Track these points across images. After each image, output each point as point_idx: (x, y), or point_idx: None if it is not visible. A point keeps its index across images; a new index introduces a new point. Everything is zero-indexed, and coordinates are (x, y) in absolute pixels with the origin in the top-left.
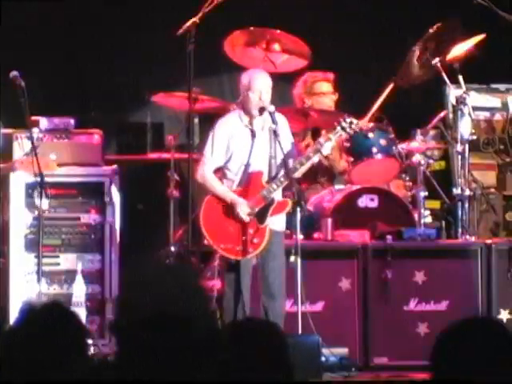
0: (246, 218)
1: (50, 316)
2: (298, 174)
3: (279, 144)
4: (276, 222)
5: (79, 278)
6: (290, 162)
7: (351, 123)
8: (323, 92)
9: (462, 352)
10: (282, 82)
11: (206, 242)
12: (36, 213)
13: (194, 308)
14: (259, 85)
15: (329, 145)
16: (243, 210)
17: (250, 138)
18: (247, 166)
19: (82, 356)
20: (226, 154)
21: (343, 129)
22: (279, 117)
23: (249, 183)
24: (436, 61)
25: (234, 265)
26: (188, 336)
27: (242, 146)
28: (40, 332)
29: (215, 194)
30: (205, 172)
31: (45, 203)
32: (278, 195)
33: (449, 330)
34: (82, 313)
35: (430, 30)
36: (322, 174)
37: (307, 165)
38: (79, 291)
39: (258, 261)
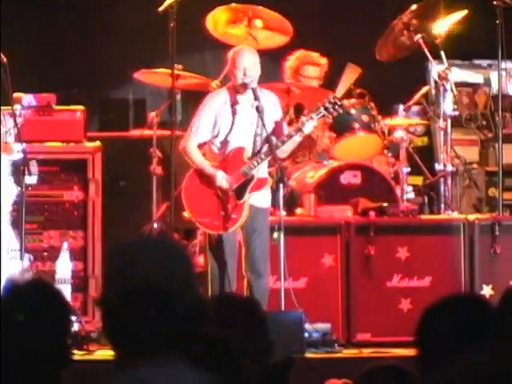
0: (226, 186)
1: (34, 293)
2: (281, 153)
3: (261, 120)
4: (260, 199)
5: (63, 255)
6: (274, 140)
7: (335, 104)
8: (308, 75)
9: (446, 328)
10: (265, 58)
11: (186, 214)
12: (19, 190)
13: (179, 280)
14: (244, 62)
15: (311, 124)
16: (222, 182)
17: (240, 114)
18: (229, 142)
19: (65, 333)
20: (212, 130)
21: (326, 109)
22: (269, 95)
23: (230, 159)
24: (418, 37)
25: (218, 240)
26: (172, 308)
27: (228, 123)
28: (24, 308)
29: (195, 167)
30: (188, 145)
31: (32, 179)
32: (261, 172)
33: (433, 306)
34: (66, 290)
35: (412, 7)
36: (301, 151)
37: (289, 143)
38: (63, 268)
39: (242, 238)
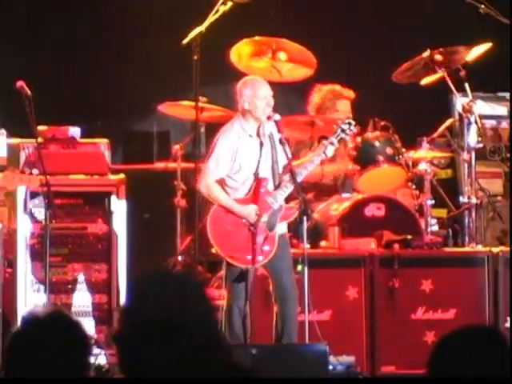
0: (256, 221)
1: (52, 324)
2: (301, 178)
3: (285, 152)
4: (280, 226)
5: (85, 288)
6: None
7: (350, 124)
8: (343, 110)
9: (460, 359)
10: (288, 90)
11: (214, 251)
12: (42, 222)
13: (195, 318)
14: (264, 91)
15: (331, 148)
16: (253, 216)
17: (256, 146)
18: (255, 174)
19: (85, 365)
20: (231, 166)
21: (343, 131)
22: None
23: (255, 191)
24: (442, 70)
25: (240, 273)
26: (188, 345)
27: (249, 156)
28: (42, 340)
29: (220, 205)
30: (209, 183)
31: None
32: (281, 202)
33: (449, 336)
34: (88, 323)
35: (441, 50)
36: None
37: (310, 169)
38: (85, 301)
39: (267, 268)
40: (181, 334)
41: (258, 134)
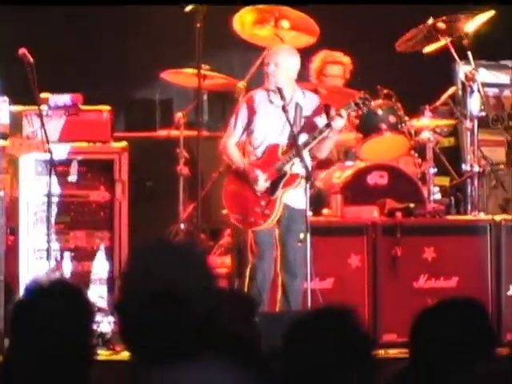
0: (260, 189)
1: (56, 292)
2: (318, 153)
3: (287, 120)
4: (295, 200)
5: (99, 255)
6: (303, 137)
7: (365, 99)
8: (331, 75)
9: (439, 332)
10: None
11: (224, 212)
12: (46, 190)
13: (196, 288)
14: (291, 63)
15: (340, 119)
16: (257, 180)
17: (277, 113)
18: (266, 139)
19: (88, 333)
20: (249, 129)
21: (357, 105)
22: (311, 96)
23: (266, 156)
24: (445, 38)
25: (253, 239)
26: (188, 315)
27: (268, 122)
28: (45, 308)
29: (234, 166)
30: (227, 143)
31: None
32: (295, 169)
33: (426, 310)
34: (95, 290)
35: (444, 18)
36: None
37: (319, 139)
38: (98, 268)
39: (278, 237)
40: (182, 303)
41: (282, 101)
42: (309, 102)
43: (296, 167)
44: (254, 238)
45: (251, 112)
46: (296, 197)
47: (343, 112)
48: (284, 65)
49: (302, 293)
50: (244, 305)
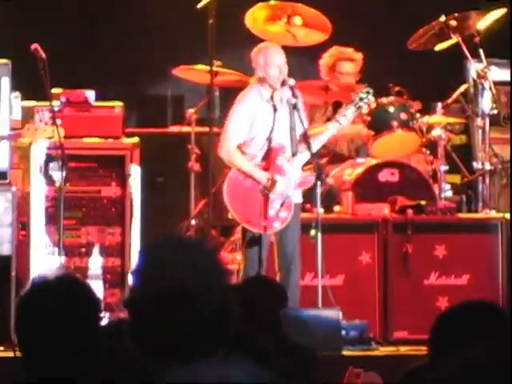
0: (278, 189)
1: (61, 287)
2: (318, 145)
3: (299, 118)
4: (294, 194)
5: (98, 251)
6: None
7: (368, 93)
8: (343, 72)
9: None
10: (303, 55)
11: (230, 216)
12: (56, 185)
13: (207, 286)
14: (277, 60)
15: (348, 116)
16: (273, 184)
17: (271, 112)
18: (270, 140)
19: (94, 328)
20: (249, 131)
21: (361, 99)
22: (298, 92)
23: (273, 158)
24: (457, 36)
25: (256, 239)
26: (198, 313)
27: (266, 122)
28: (51, 303)
29: (241, 170)
30: (229, 148)
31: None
32: (298, 169)
33: (449, 312)
34: (100, 286)
35: (456, 15)
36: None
37: (327, 137)
38: (98, 264)
39: (274, 235)
40: (194, 299)
41: (273, 99)
42: (299, 98)
43: (298, 167)
44: (255, 238)
45: (251, 112)
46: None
47: (351, 107)
48: (285, 62)
49: (299, 288)
50: (277, 295)
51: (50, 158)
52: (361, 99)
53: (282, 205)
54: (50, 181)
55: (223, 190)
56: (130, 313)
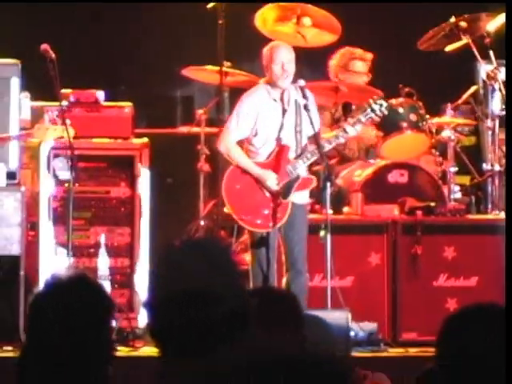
0: (275, 189)
1: (75, 288)
2: (326, 147)
3: (310, 118)
4: (299, 196)
5: (106, 252)
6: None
7: (381, 105)
8: (357, 71)
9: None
10: (313, 56)
11: (226, 210)
12: (65, 185)
13: (222, 285)
14: (281, 56)
15: (357, 128)
16: (272, 182)
17: (279, 112)
18: (277, 139)
19: (108, 329)
20: (252, 128)
21: (373, 111)
22: (308, 93)
23: (275, 157)
24: (467, 37)
25: (262, 238)
26: (215, 313)
27: (271, 121)
28: (64, 303)
29: (239, 166)
30: (229, 143)
31: (68, 175)
32: (302, 171)
33: (458, 314)
34: (108, 286)
35: (466, 16)
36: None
37: (334, 144)
38: (106, 264)
39: (281, 235)
40: (213, 300)
41: (282, 100)
42: (310, 99)
43: (303, 169)
44: (261, 238)
45: (255, 110)
46: (299, 193)
47: (362, 119)
48: (292, 61)
49: (307, 289)
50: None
51: (59, 158)
52: (372, 110)
53: (278, 206)
54: (58, 181)
55: (222, 184)
56: (149, 314)
